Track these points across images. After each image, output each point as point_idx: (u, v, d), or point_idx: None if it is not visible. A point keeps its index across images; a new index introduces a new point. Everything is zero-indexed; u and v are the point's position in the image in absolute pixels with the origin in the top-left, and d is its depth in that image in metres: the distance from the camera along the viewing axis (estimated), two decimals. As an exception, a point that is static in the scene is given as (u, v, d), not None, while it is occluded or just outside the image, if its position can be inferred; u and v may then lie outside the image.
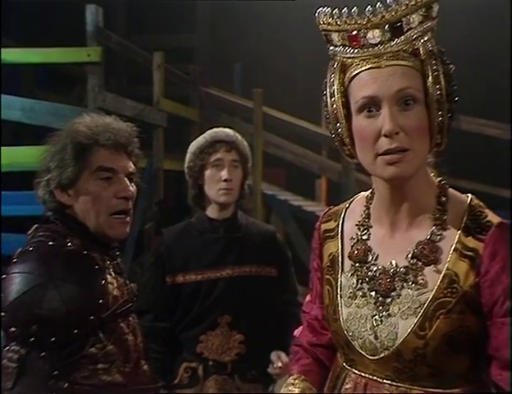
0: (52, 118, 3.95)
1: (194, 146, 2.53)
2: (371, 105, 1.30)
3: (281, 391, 1.55)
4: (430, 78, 1.29)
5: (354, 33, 1.31)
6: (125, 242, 4.50)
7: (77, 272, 1.55)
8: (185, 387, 2.46)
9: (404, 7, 1.27)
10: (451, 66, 1.33)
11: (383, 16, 1.28)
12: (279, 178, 7.51)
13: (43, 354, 1.47)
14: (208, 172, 2.49)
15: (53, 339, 1.47)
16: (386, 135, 1.28)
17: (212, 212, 2.53)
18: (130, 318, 1.68)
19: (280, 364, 2.42)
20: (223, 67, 8.09)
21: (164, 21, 8.14)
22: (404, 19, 1.28)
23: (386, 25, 1.28)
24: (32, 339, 1.47)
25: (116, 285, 1.63)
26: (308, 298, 1.68)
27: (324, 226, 1.56)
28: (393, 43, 1.29)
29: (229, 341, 2.46)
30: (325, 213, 1.59)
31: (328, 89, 1.37)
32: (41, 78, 7.18)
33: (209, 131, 2.56)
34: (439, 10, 1.32)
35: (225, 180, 2.46)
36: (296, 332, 1.70)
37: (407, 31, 1.29)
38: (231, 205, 2.54)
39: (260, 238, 2.56)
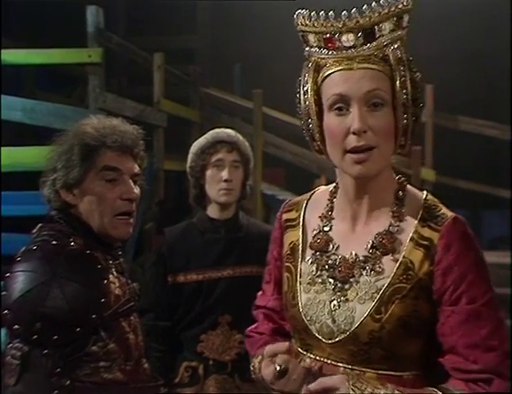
0: (53, 119, 3.95)
1: (195, 146, 2.55)
2: (341, 104, 1.38)
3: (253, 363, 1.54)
4: (397, 82, 1.38)
5: (330, 35, 1.38)
6: (126, 242, 4.51)
7: (80, 271, 1.56)
8: (185, 386, 2.47)
9: (377, 15, 1.36)
10: (418, 73, 1.41)
11: (358, 21, 1.36)
12: (279, 178, 7.49)
13: (45, 351, 1.49)
14: (209, 172, 2.50)
15: (56, 337, 1.49)
16: (354, 133, 1.36)
17: (213, 212, 2.55)
18: (132, 318, 1.69)
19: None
20: (223, 68, 8.08)
21: (164, 22, 8.12)
22: (376, 26, 1.36)
23: (360, 31, 1.36)
24: (35, 337, 1.48)
25: (118, 284, 1.64)
26: (260, 293, 1.73)
27: (285, 216, 1.62)
28: (365, 48, 1.38)
29: (229, 340, 2.48)
30: (286, 204, 1.65)
31: (302, 88, 1.44)
32: (42, 79, 7.18)
33: (211, 132, 2.58)
34: (409, 20, 1.40)
35: (225, 181, 2.48)
36: (250, 328, 1.72)
37: (378, 37, 1.37)
38: (232, 205, 2.55)
39: (261, 238, 2.55)
